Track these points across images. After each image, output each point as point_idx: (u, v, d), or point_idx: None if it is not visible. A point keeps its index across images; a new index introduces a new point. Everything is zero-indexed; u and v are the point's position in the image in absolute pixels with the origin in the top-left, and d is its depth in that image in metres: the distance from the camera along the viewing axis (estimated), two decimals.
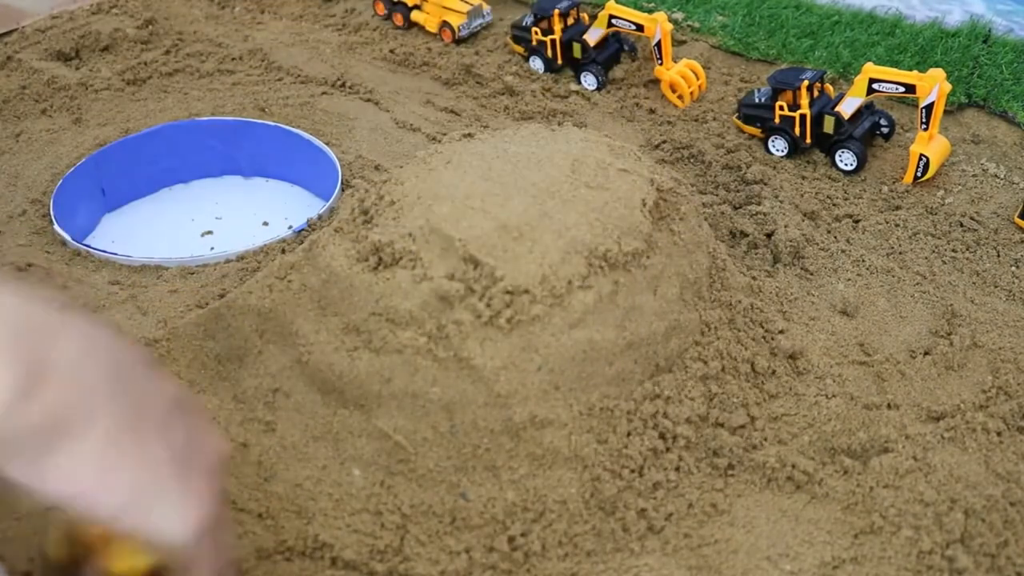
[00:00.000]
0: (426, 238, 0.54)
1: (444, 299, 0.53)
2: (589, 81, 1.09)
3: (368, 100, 1.06)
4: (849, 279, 0.77)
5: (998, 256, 0.79)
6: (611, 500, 0.53)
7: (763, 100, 0.94)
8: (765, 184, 0.88)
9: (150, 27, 1.21)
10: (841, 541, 0.53)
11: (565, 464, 0.53)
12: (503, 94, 1.07)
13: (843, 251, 0.80)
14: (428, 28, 1.21)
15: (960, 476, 0.55)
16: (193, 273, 0.78)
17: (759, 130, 0.95)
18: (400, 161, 0.83)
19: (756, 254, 0.79)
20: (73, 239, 0.82)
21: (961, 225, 0.83)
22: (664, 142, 0.97)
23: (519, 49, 1.15)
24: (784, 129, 0.93)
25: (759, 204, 0.84)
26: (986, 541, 0.52)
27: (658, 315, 0.57)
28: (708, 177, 0.91)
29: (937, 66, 0.90)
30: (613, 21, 1.07)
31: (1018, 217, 0.82)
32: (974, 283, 0.76)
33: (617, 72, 1.10)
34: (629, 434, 0.54)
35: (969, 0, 1.26)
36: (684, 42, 1.15)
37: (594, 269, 0.54)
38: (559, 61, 1.11)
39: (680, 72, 1.04)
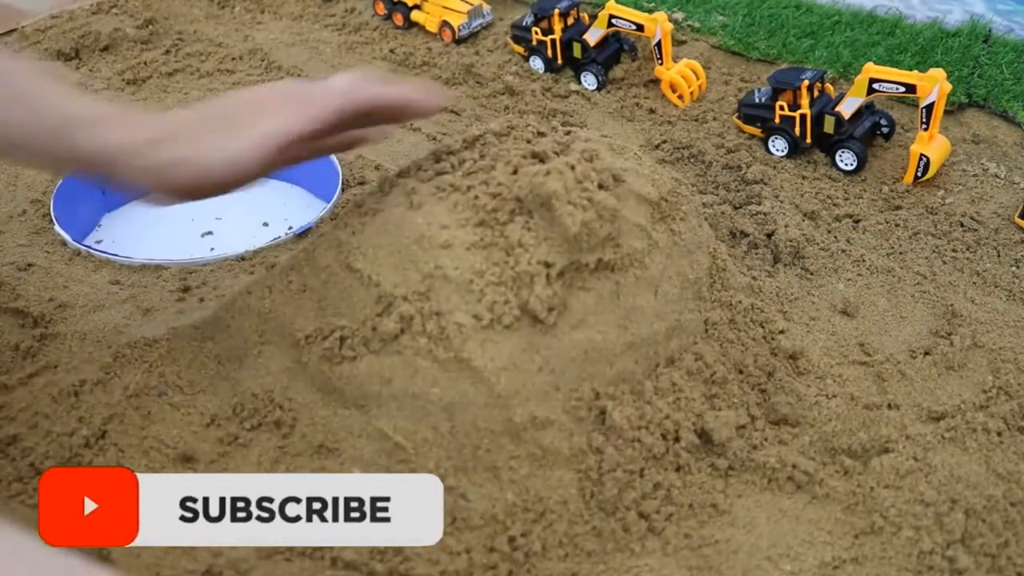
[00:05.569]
0: None
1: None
2: (589, 81, 1.09)
3: None
4: (849, 279, 0.77)
5: (998, 256, 0.79)
6: (611, 500, 0.53)
7: (763, 100, 0.94)
8: (765, 184, 0.88)
9: (150, 27, 1.21)
10: (841, 541, 0.53)
11: (565, 464, 0.53)
12: (503, 94, 1.07)
13: (843, 251, 0.80)
14: (428, 28, 1.21)
15: (961, 476, 0.55)
16: (193, 273, 0.78)
17: (759, 130, 0.95)
18: (401, 161, 0.83)
19: (756, 254, 0.79)
20: (73, 239, 0.82)
21: (961, 225, 0.83)
22: (664, 142, 0.97)
23: (519, 49, 1.15)
24: (784, 129, 0.93)
25: (759, 204, 0.84)
26: (987, 541, 0.52)
27: (659, 315, 0.57)
28: (708, 177, 0.91)
29: (937, 66, 0.90)
30: (613, 21, 1.07)
31: (1018, 217, 0.82)
32: (974, 283, 0.76)
33: (617, 72, 1.10)
34: (630, 435, 0.54)
35: (969, 0, 1.26)
36: (684, 42, 1.15)
37: (595, 269, 0.54)
38: (559, 61, 1.11)
39: (680, 72, 1.04)
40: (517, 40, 1.14)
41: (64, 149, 0.48)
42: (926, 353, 0.68)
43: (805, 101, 0.91)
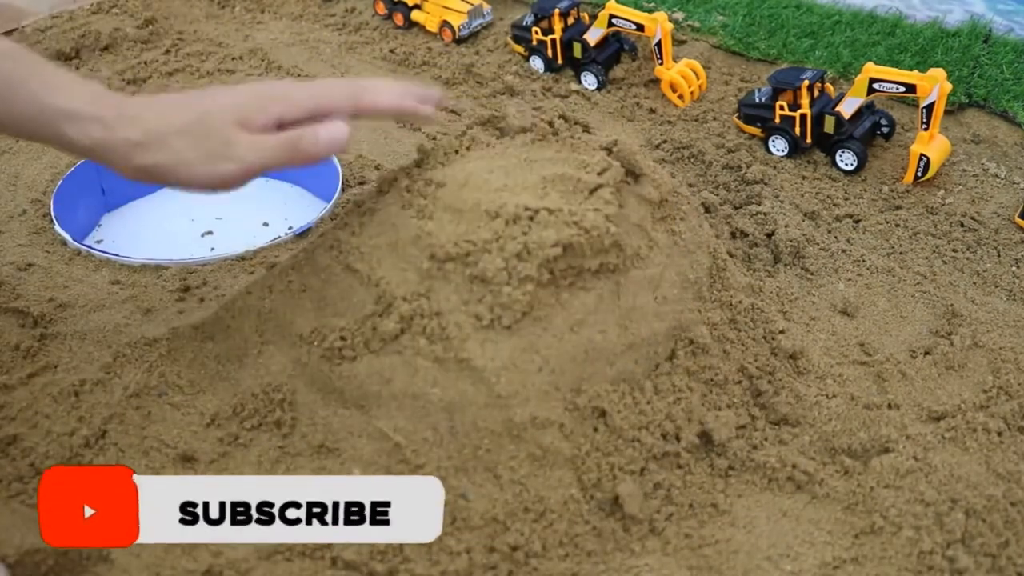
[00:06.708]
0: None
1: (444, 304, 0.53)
2: (589, 81, 1.09)
3: None
4: (849, 279, 0.77)
5: (998, 256, 0.79)
6: (611, 500, 0.53)
7: (763, 100, 0.94)
8: (765, 184, 0.88)
9: (150, 27, 1.21)
10: (842, 541, 0.53)
11: (566, 464, 0.53)
12: (503, 94, 1.07)
13: (843, 251, 0.80)
14: (428, 28, 1.21)
15: (961, 476, 0.55)
16: (193, 273, 0.78)
17: (759, 130, 0.95)
18: (401, 161, 0.83)
19: (756, 254, 0.79)
20: (73, 239, 0.82)
21: (961, 225, 0.83)
22: (664, 142, 0.97)
23: (519, 49, 1.15)
24: (784, 129, 0.93)
25: (759, 204, 0.84)
26: (987, 541, 0.52)
27: (659, 315, 0.57)
28: (708, 177, 0.91)
29: (937, 66, 0.90)
30: (613, 21, 1.07)
31: (1018, 217, 0.82)
32: (974, 283, 0.76)
33: (617, 72, 1.10)
34: (630, 434, 0.54)
35: (969, 0, 1.26)
36: (684, 42, 1.15)
37: (596, 270, 0.54)
38: (559, 61, 1.11)
39: (680, 72, 1.04)
40: (517, 40, 1.14)
41: (55, 137, 0.52)
42: (926, 353, 0.68)
43: (805, 101, 0.91)
